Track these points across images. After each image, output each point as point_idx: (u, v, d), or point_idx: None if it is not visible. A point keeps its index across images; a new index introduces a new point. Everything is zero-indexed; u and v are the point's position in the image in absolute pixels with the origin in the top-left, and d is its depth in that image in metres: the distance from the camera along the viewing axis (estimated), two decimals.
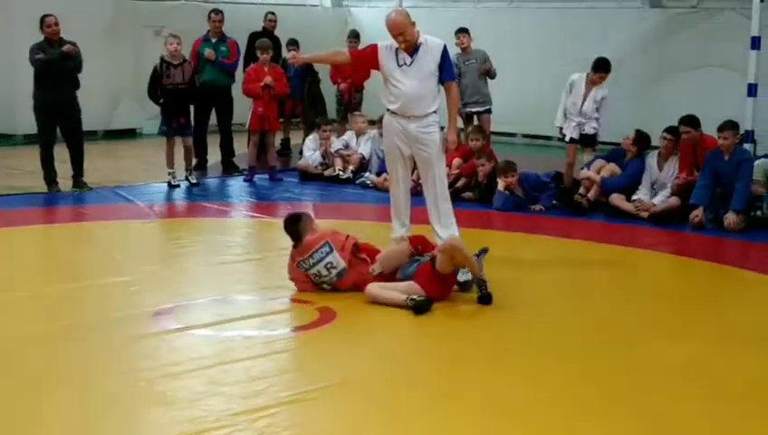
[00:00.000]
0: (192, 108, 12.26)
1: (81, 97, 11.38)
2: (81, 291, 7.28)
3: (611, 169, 10.85)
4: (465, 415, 5.06)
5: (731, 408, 5.22)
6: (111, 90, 15.57)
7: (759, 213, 10.00)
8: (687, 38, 14.81)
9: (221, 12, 13.13)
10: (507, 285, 7.22)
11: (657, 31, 15.22)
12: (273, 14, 14.63)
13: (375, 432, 4.92)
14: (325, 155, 12.72)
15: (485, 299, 6.92)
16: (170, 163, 11.81)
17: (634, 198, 10.48)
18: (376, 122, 12.49)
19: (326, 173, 12.55)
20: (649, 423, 4.96)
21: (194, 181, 11.87)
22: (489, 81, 12.94)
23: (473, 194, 11.24)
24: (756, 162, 10.17)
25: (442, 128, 8.09)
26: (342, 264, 7.12)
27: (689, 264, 8.78)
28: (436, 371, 5.76)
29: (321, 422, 5.02)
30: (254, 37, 13.83)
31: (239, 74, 13.27)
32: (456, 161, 11.48)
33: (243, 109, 12.90)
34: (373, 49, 7.93)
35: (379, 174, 11.89)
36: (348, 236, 7.28)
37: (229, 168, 13.17)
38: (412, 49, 7.71)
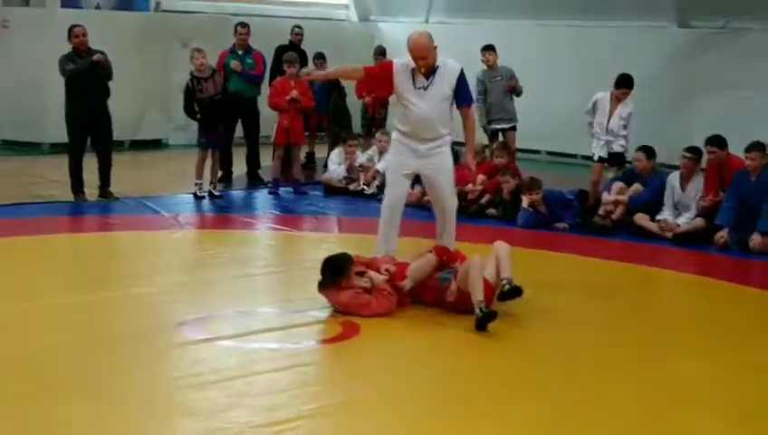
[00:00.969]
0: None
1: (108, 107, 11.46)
2: (107, 301, 7.31)
3: (636, 189, 10.77)
4: (490, 431, 5.06)
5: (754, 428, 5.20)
6: (138, 100, 15.66)
7: None
8: (715, 58, 14.75)
9: (247, 25, 13.20)
10: (530, 303, 7.19)
11: (684, 51, 15.17)
12: (299, 27, 14.69)
13: None
14: (350, 169, 12.75)
15: (480, 323, 6.67)
16: (200, 174, 11.86)
17: (658, 217, 10.43)
18: None
19: (351, 187, 12.57)
20: None
21: (217, 194, 11.90)
22: (515, 98, 12.94)
23: (497, 211, 11.23)
24: None
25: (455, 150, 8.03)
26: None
27: (713, 285, 8.74)
28: (461, 386, 5.76)
29: None
30: (280, 50, 13.89)
31: (265, 87, 13.33)
32: (481, 178, 11.48)
33: (269, 122, 12.95)
34: (388, 66, 7.87)
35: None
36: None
37: (254, 180, 13.22)
38: (430, 71, 7.66)
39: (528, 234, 10.42)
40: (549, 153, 16.60)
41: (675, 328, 7.21)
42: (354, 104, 14.79)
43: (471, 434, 5.02)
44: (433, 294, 7.19)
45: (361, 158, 12.79)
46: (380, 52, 14.36)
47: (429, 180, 7.97)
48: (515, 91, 12.84)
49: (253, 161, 13.36)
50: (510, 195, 11.10)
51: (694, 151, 10.45)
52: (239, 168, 13.30)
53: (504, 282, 6.98)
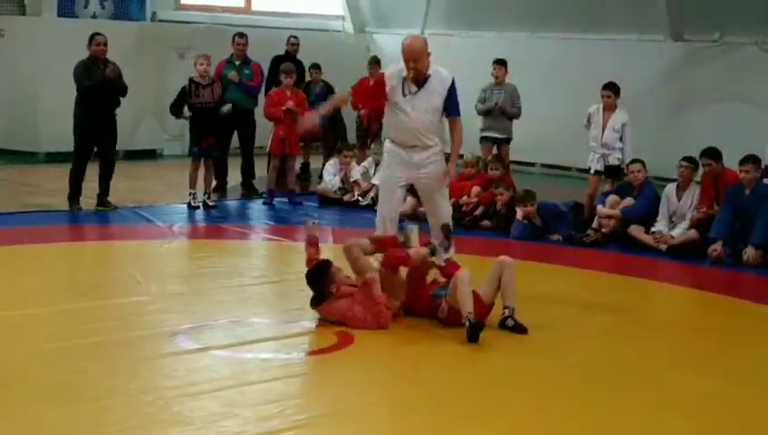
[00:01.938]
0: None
1: None
2: (101, 310, 7.30)
3: (627, 203, 10.77)
4: None
5: None
6: (133, 111, 15.64)
7: None
8: (709, 72, 14.79)
9: (245, 36, 13.22)
10: (524, 316, 7.14)
11: (678, 64, 15.22)
12: (295, 37, 14.72)
13: None
14: (345, 180, 12.76)
15: (471, 335, 6.64)
16: (193, 184, 11.87)
17: (653, 229, 10.45)
18: None
19: (345, 198, 12.59)
20: None
21: (211, 204, 11.91)
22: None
23: (491, 222, 11.25)
24: None
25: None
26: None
27: (707, 297, 8.76)
28: (456, 396, 5.75)
29: None
30: (276, 61, 13.92)
31: (261, 98, 13.36)
32: (475, 190, 11.51)
33: (264, 132, 12.97)
34: (379, 77, 7.86)
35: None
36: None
37: (249, 190, 13.23)
38: (421, 79, 7.64)
39: (522, 245, 10.43)
40: (544, 165, 16.63)
41: (670, 341, 7.22)
42: (350, 115, 14.82)
43: None
44: (425, 307, 7.19)
45: (356, 170, 12.80)
46: (374, 61, 14.39)
47: (425, 191, 7.98)
48: (506, 114, 12.89)
49: (248, 172, 13.37)
50: (504, 207, 11.13)
51: (690, 160, 10.48)
52: (233, 178, 13.31)
53: (507, 313, 7.00)
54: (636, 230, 10.51)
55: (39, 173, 14.01)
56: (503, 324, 6.97)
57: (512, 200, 11.04)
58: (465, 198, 11.43)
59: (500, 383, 6.06)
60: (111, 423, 5.11)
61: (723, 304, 8.47)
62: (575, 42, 16.27)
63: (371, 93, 7.98)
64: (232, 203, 12.63)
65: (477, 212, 11.36)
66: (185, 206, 11.82)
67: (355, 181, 12.68)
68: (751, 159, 9.93)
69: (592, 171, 11.38)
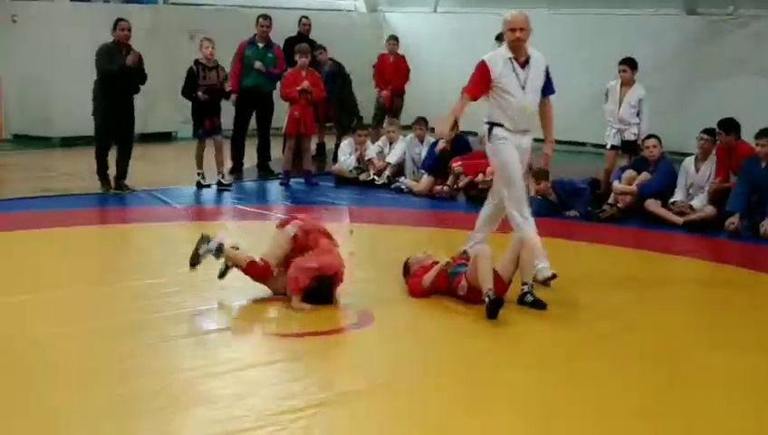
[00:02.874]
0: (233, 110, 12.66)
1: None
2: (120, 292, 7.35)
3: (643, 178, 10.76)
4: (506, 418, 5.09)
5: None
6: (148, 93, 15.64)
7: None
8: (724, 45, 14.74)
9: (269, 18, 13.25)
10: (541, 292, 7.20)
11: (693, 38, 15.15)
12: (307, 18, 14.71)
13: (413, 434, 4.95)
14: (360, 159, 12.77)
15: (490, 311, 6.67)
16: (200, 164, 11.95)
17: (671, 200, 10.46)
18: (413, 124, 12.59)
19: (361, 178, 12.59)
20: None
21: (225, 183, 11.94)
22: None
23: None
24: None
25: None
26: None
27: (726, 270, 8.76)
28: (477, 373, 5.79)
29: (358, 424, 5.06)
30: (290, 41, 13.90)
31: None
32: (492, 168, 11.47)
33: (279, 113, 12.98)
34: (481, 67, 7.61)
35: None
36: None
37: (265, 171, 13.25)
38: (523, 60, 7.59)
39: (538, 222, 10.39)
40: (559, 142, 16.53)
41: (688, 314, 7.23)
42: (365, 94, 14.83)
43: (490, 421, 5.05)
44: (444, 285, 7.23)
45: (372, 149, 12.80)
46: (393, 37, 14.49)
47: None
48: None
49: (264, 153, 13.40)
50: None
51: (710, 132, 10.47)
52: (249, 160, 13.33)
53: (526, 289, 7.03)
54: (652, 204, 10.50)
55: (55, 158, 14.04)
56: (522, 300, 7.00)
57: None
58: (480, 176, 11.41)
59: (521, 358, 6.09)
60: (137, 404, 5.16)
61: (741, 277, 8.47)
62: (591, 17, 16.22)
63: (481, 89, 7.65)
64: (248, 184, 12.65)
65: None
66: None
67: (370, 160, 12.69)
68: (766, 133, 9.89)
69: (609, 146, 11.37)
